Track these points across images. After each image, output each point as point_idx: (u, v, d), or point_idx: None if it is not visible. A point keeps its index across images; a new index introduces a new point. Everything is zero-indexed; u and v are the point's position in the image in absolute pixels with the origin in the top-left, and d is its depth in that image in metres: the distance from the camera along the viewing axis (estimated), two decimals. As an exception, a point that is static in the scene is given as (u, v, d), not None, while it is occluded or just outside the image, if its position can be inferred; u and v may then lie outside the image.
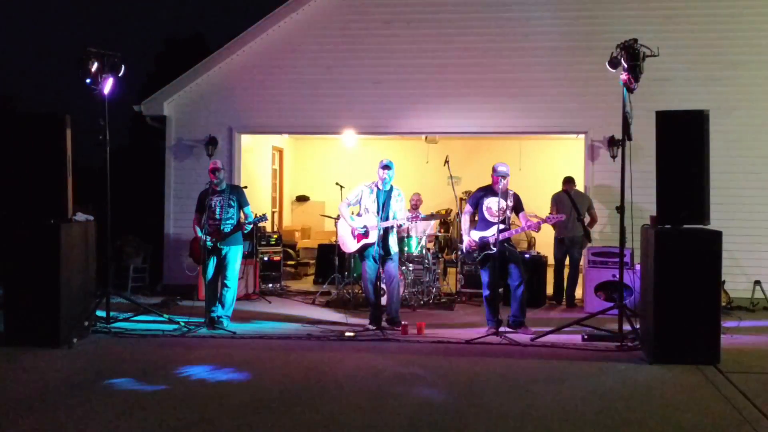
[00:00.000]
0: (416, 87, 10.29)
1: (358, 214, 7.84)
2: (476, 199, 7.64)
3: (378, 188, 7.70)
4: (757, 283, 9.33)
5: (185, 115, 10.70)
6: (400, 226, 7.99)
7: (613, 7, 9.92)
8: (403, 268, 9.15)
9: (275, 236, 10.94)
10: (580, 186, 10.19)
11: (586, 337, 6.98)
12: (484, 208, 7.54)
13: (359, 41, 10.42)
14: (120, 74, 7.33)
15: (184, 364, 6.08)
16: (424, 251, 9.45)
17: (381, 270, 7.63)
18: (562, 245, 9.65)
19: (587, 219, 9.47)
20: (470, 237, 7.53)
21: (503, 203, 7.39)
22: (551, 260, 9.93)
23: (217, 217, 7.70)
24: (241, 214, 7.85)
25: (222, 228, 7.66)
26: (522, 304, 7.44)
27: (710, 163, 6.40)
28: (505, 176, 7.41)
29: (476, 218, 7.80)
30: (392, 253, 7.70)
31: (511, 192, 7.58)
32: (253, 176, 11.76)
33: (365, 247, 7.68)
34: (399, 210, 7.67)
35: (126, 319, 7.58)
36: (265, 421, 4.64)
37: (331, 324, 7.99)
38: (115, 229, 7.80)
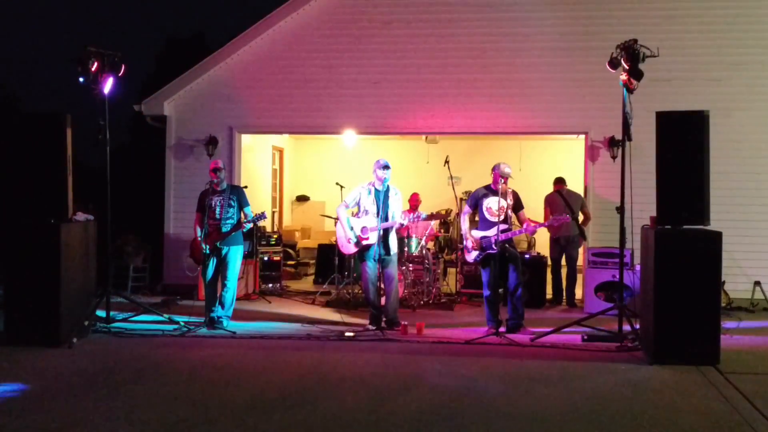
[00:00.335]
0: (416, 87, 10.29)
1: (356, 215, 7.85)
2: (475, 199, 7.64)
3: (376, 189, 7.71)
4: (757, 283, 9.33)
5: (185, 115, 10.70)
6: (401, 225, 7.99)
7: (613, 7, 9.92)
8: (403, 268, 9.15)
9: (275, 236, 10.94)
10: (580, 186, 10.22)
11: (585, 337, 6.99)
12: (485, 208, 7.53)
13: (360, 41, 10.42)
14: (120, 74, 7.32)
15: (184, 364, 6.09)
16: (424, 251, 9.45)
17: (381, 271, 7.63)
18: (557, 245, 9.68)
19: (581, 218, 9.50)
20: (472, 237, 7.53)
21: (503, 203, 7.39)
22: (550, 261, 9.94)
23: (217, 216, 7.71)
24: (242, 214, 7.85)
25: (222, 228, 7.66)
26: (521, 306, 7.44)
27: (710, 163, 6.40)
28: (507, 177, 7.40)
29: (476, 218, 7.80)
30: (392, 252, 7.70)
31: (510, 190, 7.57)
32: (254, 176, 11.76)
33: (365, 248, 7.68)
34: (397, 209, 7.68)
35: (126, 319, 7.58)
36: (265, 421, 4.64)
37: (331, 324, 8.00)
38: (115, 229, 7.80)
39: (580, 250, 9.88)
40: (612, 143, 9.77)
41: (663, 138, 6.40)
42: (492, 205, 7.44)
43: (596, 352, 6.59)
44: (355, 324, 7.86)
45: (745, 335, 7.55)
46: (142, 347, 6.70)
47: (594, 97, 9.81)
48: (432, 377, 5.73)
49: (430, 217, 9.69)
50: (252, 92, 10.59)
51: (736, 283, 9.23)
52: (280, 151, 14.08)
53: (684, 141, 6.35)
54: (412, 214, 8.24)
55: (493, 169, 7.52)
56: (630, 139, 6.80)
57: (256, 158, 12.37)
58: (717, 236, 6.18)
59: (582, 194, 9.89)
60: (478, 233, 7.53)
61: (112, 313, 7.50)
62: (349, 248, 7.82)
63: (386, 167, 7.65)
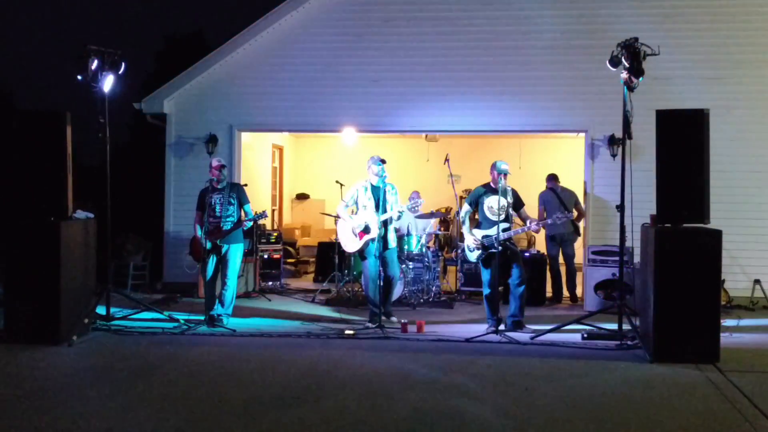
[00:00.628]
0: (416, 85, 10.29)
1: (356, 214, 7.86)
2: (476, 197, 7.64)
3: (372, 185, 7.73)
4: (757, 282, 9.34)
5: (185, 113, 10.69)
6: (400, 216, 7.99)
7: (614, 5, 9.91)
8: (404, 266, 9.16)
9: (275, 234, 10.94)
10: (580, 184, 10.23)
11: (585, 335, 6.99)
12: (486, 207, 7.53)
13: (359, 39, 10.42)
14: (120, 72, 7.32)
15: (184, 362, 6.09)
16: (424, 249, 9.45)
17: (382, 269, 7.63)
18: (554, 242, 9.71)
19: (574, 215, 9.51)
20: (474, 236, 7.52)
21: (503, 201, 7.39)
22: (549, 259, 9.95)
23: (218, 214, 7.70)
24: (241, 212, 7.85)
25: (222, 225, 7.66)
26: (522, 304, 7.45)
27: (710, 161, 6.40)
28: (506, 174, 7.41)
29: (476, 216, 7.80)
30: (390, 247, 7.71)
31: (509, 188, 7.57)
32: (253, 174, 11.76)
33: (367, 244, 7.69)
34: (395, 203, 7.71)
35: (126, 317, 7.59)
36: (265, 419, 4.64)
37: (331, 322, 8.00)
38: (115, 227, 7.80)
39: (576, 245, 9.90)
40: (612, 141, 9.77)
41: (663, 136, 6.40)
42: (493, 203, 7.44)
43: (596, 350, 6.60)
44: (355, 322, 7.86)
45: (745, 333, 7.55)
46: (142, 345, 6.70)
47: (594, 95, 9.81)
48: (432, 375, 5.73)
49: (429, 215, 9.69)
50: (252, 90, 10.58)
51: (735, 281, 9.24)
52: (280, 149, 14.08)
53: (684, 139, 6.35)
54: (411, 201, 8.21)
55: (491, 168, 7.53)
56: (630, 138, 6.80)
57: (256, 156, 12.36)
58: (717, 234, 6.18)
59: (575, 192, 9.93)
60: (479, 232, 7.53)
61: (112, 310, 7.51)
62: (352, 246, 7.82)
63: (381, 162, 7.68)
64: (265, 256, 10.58)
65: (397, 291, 9.00)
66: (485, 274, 7.52)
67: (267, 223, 11.59)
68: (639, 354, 6.41)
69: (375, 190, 7.69)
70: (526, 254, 9.43)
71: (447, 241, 12.35)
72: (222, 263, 7.75)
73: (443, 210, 12.12)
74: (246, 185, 8.71)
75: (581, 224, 9.94)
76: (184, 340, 7.00)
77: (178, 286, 9.94)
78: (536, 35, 10.09)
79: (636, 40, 6.64)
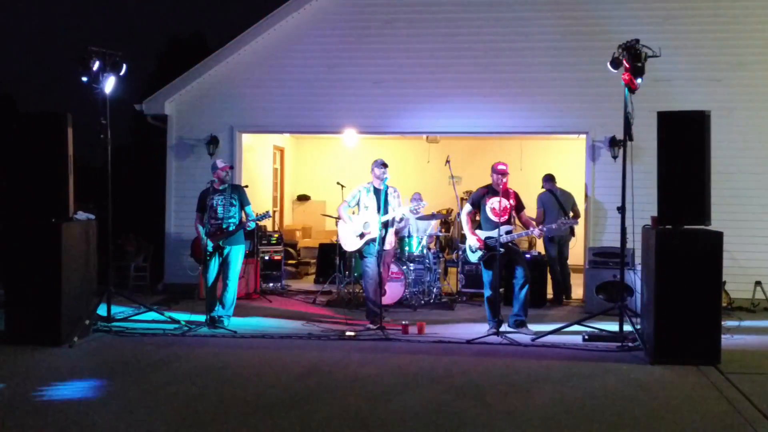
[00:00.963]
0: (417, 86, 10.29)
1: (357, 214, 7.87)
2: (478, 198, 7.64)
3: (375, 187, 7.75)
4: (758, 283, 9.33)
5: (186, 114, 10.70)
6: (401, 220, 8.00)
7: (614, 7, 9.91)
8: (404, 267, 9.17)
9: (276, 235, 10.94)
10: (581, 186, 10.23)
11: (586, 337, 6.99)
12: (488, 209, 7.53)
13: (360, 41, 10.42)
14: (121, 73, 7.33)
15: (185, 364, 6.09)
16: (424, 251, 9.46)
17: (381, 268, 7.63)
18: (553, 243, 9.71)
19: (570, 215, 9.51)
20: (476, 237, 7.51)
21: (506, 203, 7.40)
22: (550, 260, 9.95)
23: (219, 216, 7.70)
24: (243, 214, 7.85)
25: (224, 227, 7.66)
26: (525, 304, 7.45)
27: (711, 163, 6.40)
28: (506, 174, 7.42)
29: (477, 218, 7.80)
30: (387, 248, 7.72)
31: (512, 191, 7.59)
32: (254, 175, 11.76)
33: (367, 244, 7.70)
34: (397, 206, 7.72)
35: (127, 318, 7.60)
36: (266, 421, 4.64)
37: (332, 323, 8.00)
38: (116, 228, 7.81)
39: (571, 244, 9.91)
40: (613, 143, 9.77)
41: (664, 138, 6.40)
42: (495, 205, 7.44)
43: (597, 351, 6.60)
44: (356, 323, 7.86)
45: (746, 335, 7.55)
46: (142, 346, 6.70)
47: (595, 96, 9.81)
48: (433, 377, 5.73)
49: (429, 216, 9.69)
50: (253, 92, 10.59)
51: (736, 282, 9.21)
52: (281, 151, 14.08)
53: (685, 141, 6.35)
54: (413, 204, 8.21)
55: (492, 171, 7.55)
56: (631, 139, 6.80)
57: (257, 158, 12.37)
58: (718, 236, 6.17)
59: (572, 194, 9.93)
60: (482, 233, 7.53)
61: (113, 312, 7.51)
62: (353, 244, 7.83)
63: (384, 165, 7.72)
64: (266, 258, 10.58)
65: (398, 293, 9.01)
66: (486, 276, 7.52)
67: (268, 224, 11.59)
68: (640, 356, 6.41)
69: (377, 192, 7.72)
70: (528, 255, 9.42)
71: (448, 243, 12.34)
72: (223, 265, 7.74)
73: (444, 212, 12.11)
74: (247, 187, 8.70)
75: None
76: (185, 341, 7.00)
77: (179, 288, 9.95)
78: (537, 37, 10.09)
79: (637, 42, 6.65)
